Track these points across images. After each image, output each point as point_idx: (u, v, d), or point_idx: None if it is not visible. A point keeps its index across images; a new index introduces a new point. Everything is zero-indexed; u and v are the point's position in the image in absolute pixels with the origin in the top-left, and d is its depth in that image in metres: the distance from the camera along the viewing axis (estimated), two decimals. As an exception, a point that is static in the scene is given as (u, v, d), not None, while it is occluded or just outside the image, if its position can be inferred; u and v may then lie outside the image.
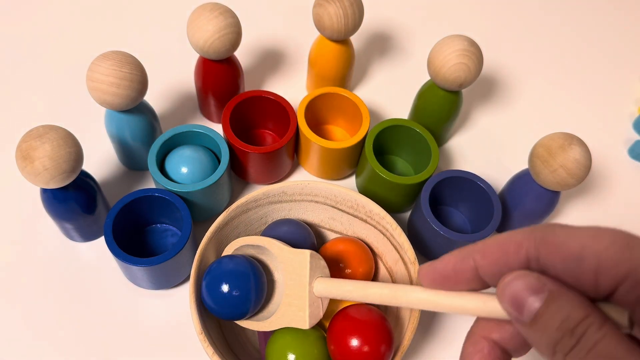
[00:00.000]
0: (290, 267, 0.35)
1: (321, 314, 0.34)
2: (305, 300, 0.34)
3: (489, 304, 0.24)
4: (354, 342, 0.34)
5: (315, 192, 0.42)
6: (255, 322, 0.36)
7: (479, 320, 0.25)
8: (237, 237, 0.42)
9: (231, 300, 0.34)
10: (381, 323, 0.35)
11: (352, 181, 0.51)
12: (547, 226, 0.22)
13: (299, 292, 0.34)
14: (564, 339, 0.20)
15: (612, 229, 0.21)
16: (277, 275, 0.37)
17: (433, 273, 0.26)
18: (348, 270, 0.40)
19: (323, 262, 0.35)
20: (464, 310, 0.25)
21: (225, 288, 0.34)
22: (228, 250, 0.38)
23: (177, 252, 0.39)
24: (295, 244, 0.40)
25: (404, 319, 0.38)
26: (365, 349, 0.34)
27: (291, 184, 0.41)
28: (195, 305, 0.36)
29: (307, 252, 0.34)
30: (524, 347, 0.24)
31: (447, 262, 0.25)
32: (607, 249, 0.21)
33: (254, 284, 0.35)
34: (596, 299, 0.21)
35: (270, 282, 0.37)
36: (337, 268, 0.40)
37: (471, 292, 0.25)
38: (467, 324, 0.43)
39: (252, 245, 0.37)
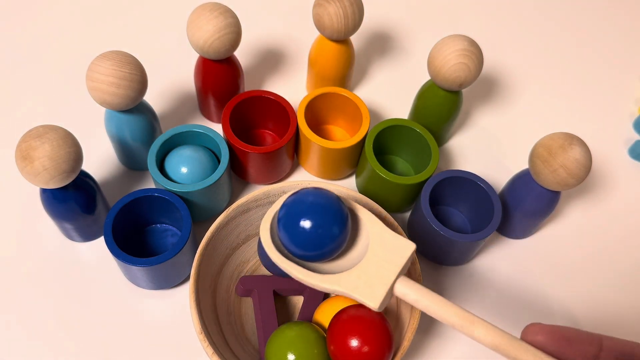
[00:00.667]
0: (382, 244, 0.32)
1: (385, 304, 0.31)
2: (386, 285, 0.31)
3: None
4: (354, 343, 0.34)
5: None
6: (309, 272, 0.32)
7: None
8: (238, 237, 0.42)
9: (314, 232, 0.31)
10: (381, 323, 0.35)
11: (352, 181, 0.51)
12: None
13: (380, 273, 0.31)
14: None
15: None
16: (360, 240, 0.34)
17: (554, 330, 0.26)
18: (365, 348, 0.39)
19: (409, 265, 0.32)
20: None
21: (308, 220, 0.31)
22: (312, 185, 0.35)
23: (177, 252, 0.39)
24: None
25: (404, 319, 0.38)
26: (365, 349, 0.34)
27: (291, 184, 0.41)
28: (196, 304, 0.36)
29: (413, 245, 0.32)
30: None
31: (577, 332, 0.25)
32: None
33: (340, 219, 0.32)
34: None
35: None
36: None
37: None
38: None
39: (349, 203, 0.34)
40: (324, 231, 0.31)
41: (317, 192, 0.33)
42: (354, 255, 0.33)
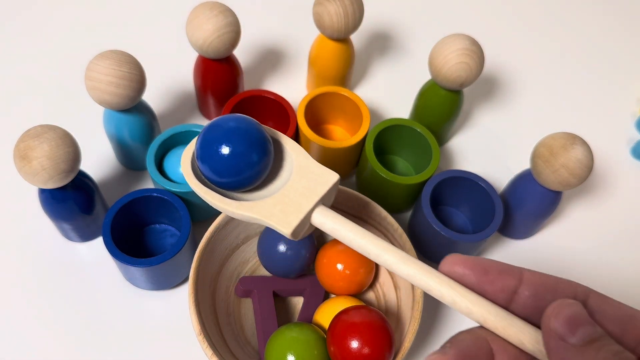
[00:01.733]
0: (306, 175, 0.31)
1: (300, 236, 0.31)
2: (301, 211, 0.30)
3: (514, 323, 0.23)
4: (354, 344, 0.34)
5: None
6: (226, 199, 0.31)
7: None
8: (237, 237, 0.42)
9: (232, 159, 0.30)
10: (382, 325, 0.35)
11: (352, 181, 0.51)
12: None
13: (298, 200, 0.30)
14: None
15: None
16: (284, 163, 0.33)
17: (475, 259, 0.25)
18: (347, 271, 0.40)
19: (334, 196, 0.32)
20: (482, 319, 0.24)
21: (226, 147, 0.30)
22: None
23: (176, 252, 0.39)
24: (294, 244, 0.40)
25: (405, 320, 0.38)
26: (366, 350, 0.34)
27: None
28: (195, 305, 0.36)
29: (336, 175, 0.31)
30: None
31: (495, 262, 0.25)
32: None
33: (260, 145, 0.30)
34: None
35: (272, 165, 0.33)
36: (336, 269, 0.40)
37: (492, 302, 0.24)
38: (469, 327, 0.43)
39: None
40: (242, 158, 0.30)
41: (238, 118, 0.31)
42: (277, 185, 0.32)
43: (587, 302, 0.23)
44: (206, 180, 0.32)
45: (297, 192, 0.31)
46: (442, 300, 0.25)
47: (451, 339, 0.24)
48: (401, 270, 0.27)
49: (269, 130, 0.33)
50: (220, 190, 0.32)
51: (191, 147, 0.33)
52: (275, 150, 0.33)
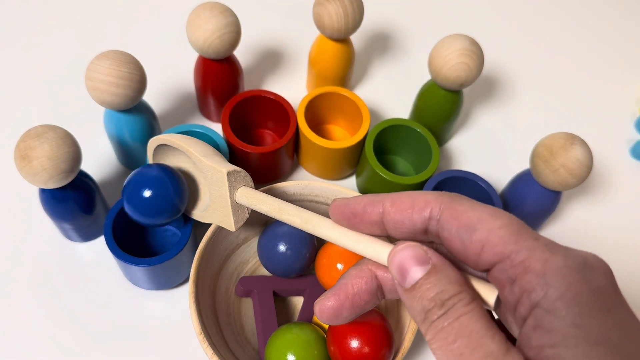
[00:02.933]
0: (212, 178, 0.36)
1: (246, 217, 0.36)
2: (228, 209, 0.35)
3: (382, 255, 0.26)
4: (354, 344, 0.34)
5: (316, 192, 0.42)
6: (193, 212, 0.39)
7: None
8: (237, 237, 0.42)
9: (151, 204, 0.36)
10: (382, 325, 0.35)
11: (352, 181, 0.51)
12: (456, 195, 0.25)
13: (222, 202, 0.36)
14: (434, 308, 0.22)
15: (510, 214, 0.23)
16: (200, 175, 0.38)
17: (344, 207, 0.27)
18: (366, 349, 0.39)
19: (243, 173, 0.35)
20: (361, 252, 0.27)
21: (145, 193, 0.36)
22: (151, 146, 0.39)
23: (177, 252, 0.39)
24: (294, 244, 0.40)
25: (404, 320, 0.38)
26: (366, 350, 0.34)
27: (291, 184, 0.41)
28: (195, 305, 0.36)
29: (224, 172, 0.35)
30: (396, 293, 0.26)
31: (360, 201, 0.27)
32: (499, 228, 0.23)
33: (172, 187, 0.36)
34: (475, 270, 0.24)
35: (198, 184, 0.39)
36: (336, 268, 0.40)
37: (372, 237, 0.27)
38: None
39: (172, 147, 0.38)
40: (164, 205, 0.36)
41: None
42: (207, 193, 0.38)
43: (441, 216, 0.24)
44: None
45: (218, 196, 0.36)
46: (336, 243, 0.29)
47: (339, 278, 0.27)
48: (297, 223, 0.31)
49: (171, 141, 0.37)
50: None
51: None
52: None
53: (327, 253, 0.41)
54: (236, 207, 0.35)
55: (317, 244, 0.42)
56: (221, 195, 0.36)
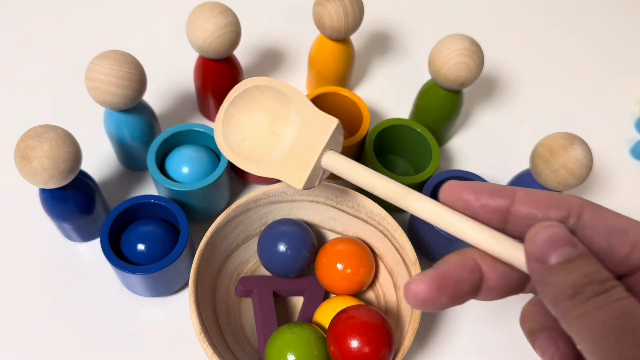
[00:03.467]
0: (309, 126, 0.33)
1: (316, 184, 0.33)
2: (310, 163, 0.32)
3: (502, 243, 0.24)
4: (354, 343, 0.34)
5: (316, 192, 0.42)
6: (247, 162, 0.35)
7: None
8: (237, 237, 0.42)
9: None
10: (382, 324, 0.35)
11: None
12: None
13: (306, 153, 0.33)
14: (592, 284, 0.20)
15: None
16: (284, 129, 0.35)
17: (464, 187, 0.25)
18: (348, 271, 0.40)
19: (342, 139, 0.33)
20: (470, 238, 0.25)
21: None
22: (244, 84, 0.35)
23: (174, 260, 0.39)
24: (294, 244, 0.40)
25: (404, 320, 0.38)
26: (366, 350, 0.34)
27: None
28: (195, 305, 0.36)
29: (335, 120, 0.33)
30: (496, 293, 0.25)
31: (485, 184, 0.25)
32: None
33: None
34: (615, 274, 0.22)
35: (274, 134, 0.35)
36: (336, 268, 0.40)
37: (483, 224, 0.25)
38: (469, 327, 0.43)
39: (273, 89, 0.35)
40: None
41: None
42: (289, 137, 0.34)
43: (581, 216, 0.23)
44: (235, 148, 0.35)
45: (303, 145, 0.33)
46: (434, 222, 0.26)
47: (436, 262, 0.25)
48: (404, 202, 0.28)
49: (275, 84, 0.35)
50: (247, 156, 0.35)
51: (220, 116, 0.35)
52: (283, 102, 0.35)
53: (327, 253, 0.41)
54: (317, 166, 0.32)
55: (317, 244, 0.42)
56: (311, 146, 0.32)
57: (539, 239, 0.22)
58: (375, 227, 0.42)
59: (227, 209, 0.40)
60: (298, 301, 0.43)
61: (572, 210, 0.23)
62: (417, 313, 0.36)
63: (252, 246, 0.43)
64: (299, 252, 0.40)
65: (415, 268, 0.38)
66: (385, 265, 0.42)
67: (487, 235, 0.24)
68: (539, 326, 0.25)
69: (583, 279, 0.21)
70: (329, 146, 0.33)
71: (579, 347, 0.20)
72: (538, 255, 0.22)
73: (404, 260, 0.39)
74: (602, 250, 0.22)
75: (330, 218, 0.43)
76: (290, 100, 0.34)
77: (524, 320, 0.26)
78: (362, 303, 0.40)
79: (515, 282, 0.24)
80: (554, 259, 0.21)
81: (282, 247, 0.39)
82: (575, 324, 0.20)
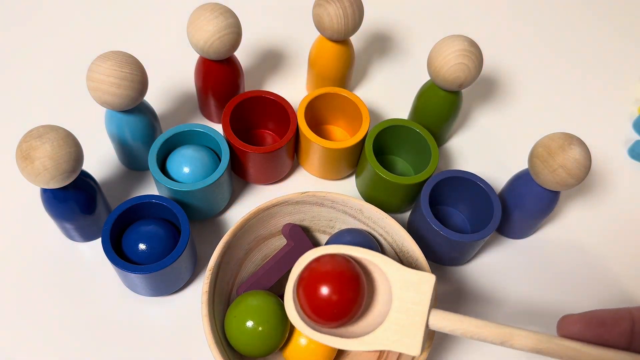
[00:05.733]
0: (406, 287, 0.31)
1: (425, 345, 0.31)
2: (419, 327, 0.31)
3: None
4: (324, 291, 0.32)
5: (315, 193, 0.42)
6: (341, 340, 0.32)
7: None
8: (261, 233, 0.42)
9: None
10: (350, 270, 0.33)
11: (352, 181, 0.51)
12: None
13: (412, 319, 0.31)
14: None
15: None
16: (379, 289, 0.33)
17: (587, 317, 0.26)
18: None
19: (436, 293, 0.32)
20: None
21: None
22: (313, 254, 0.34)
23: (175, 259, 0.39)
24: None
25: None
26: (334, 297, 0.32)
27: (293, 195, 0.41)
28: (207, 300, 0.36)
29: (432, 276, 0.31)
30: None
31: (604, 310, 0.26)
32: None
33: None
34: None
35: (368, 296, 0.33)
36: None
37: (609, 348, 0.26)
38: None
39: (355, 258, 0.33)
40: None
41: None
42: (382, 306, 0.33)
43: None
44: (317, 326, 0.33)
45: (406, 309, 0.31)
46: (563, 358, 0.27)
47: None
48: (529, 347, 0.28)
49: (359, 252, 0.33)
50: (332, 331, 0.33)
51: (290, 294, 0.34)
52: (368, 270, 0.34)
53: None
54: (426, 330, 0.31)
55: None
56: (414, 310, 0.31)
57: None
58: (375, 230, 0.42)
59: (242, 218, 0.40)
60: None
61: None
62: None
63: (256, 257, 0.43)
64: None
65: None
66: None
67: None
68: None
69: None
70: (431, 306, 0.31)
71: None
72: None
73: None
74: None
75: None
76: (380, 266, 0.32)
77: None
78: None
79: None
80: None
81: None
82: None
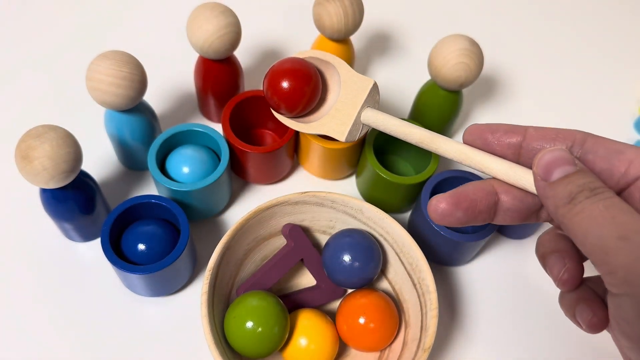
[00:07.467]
0: (350, 87, 0.38)
1: (357, 138, 0.38)
2: (351, 118, 0.38)
3: (515, 171, 0.28)
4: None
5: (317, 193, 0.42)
6: (297, 122, 0.40)
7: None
8: (259, 233, 0.42)
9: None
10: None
11: (352, 181, 0.51)
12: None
13: (348, 110, 0.38)
14: (584, 191, 0.24)
15: None
16: (328, 93, 0.40)
17: (483, 127, 0.30)
18: (372, 325, 0.39)
19: (378, 97, 0.38)
20: (489, 169, 0.29)
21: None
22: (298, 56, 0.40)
23: (174, 259, 0.39)
24: (361, 255, 0.40)
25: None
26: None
27: (295, 196, 0.41)
28: (207, 300, 0.36)
29: (371, 81, 0.37)
30: (512, 216, 0.29)
31: (501, 124, 0.29)
32: None
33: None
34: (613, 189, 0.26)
35: (323, 93, 0.40)
36: (358, 323, 0.39)
37: (500, 158, 0.29)
38: (487, 329, 0.43)
39: (319, 59, 0.40)
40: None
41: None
42: (333, 102, 0.39)
43: (584, 145, 0.27)
44: (283, 113, 0.40)
45: (345, 104, 0.38)
46: (459, 160, 0.31)
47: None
48: (432, 145, 0.33)
49: (319, 54, 0.40)
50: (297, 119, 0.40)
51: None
52: (327, 70, 0.40)
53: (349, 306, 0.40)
54: (357, 121, 0.38)
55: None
56: (351, 104, 0.38)
57: (543, 161, 0.26)
58: (375, 230, 0.42)
59: (242, 218, 0.40)
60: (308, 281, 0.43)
61: (576, 141, 0.27)
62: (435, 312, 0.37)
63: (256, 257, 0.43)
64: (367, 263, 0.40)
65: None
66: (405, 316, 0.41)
67: (504, 166, 0.28)
68: (550, 250, 0.29)
69: (577, 188, 0.25)
70: (367, 103, 0.38)
71: (575, 241, 0.24)
72: (542, 174, 0.26)
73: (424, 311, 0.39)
74: (603, 171, 0.26)
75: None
76: (332, 66, 0.39)
77: (538, 247, 0.30)
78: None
79: (529, 206, 0.28)
80: (555, 176, 0.25)
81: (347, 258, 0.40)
82: (570, 223, 0.24)
